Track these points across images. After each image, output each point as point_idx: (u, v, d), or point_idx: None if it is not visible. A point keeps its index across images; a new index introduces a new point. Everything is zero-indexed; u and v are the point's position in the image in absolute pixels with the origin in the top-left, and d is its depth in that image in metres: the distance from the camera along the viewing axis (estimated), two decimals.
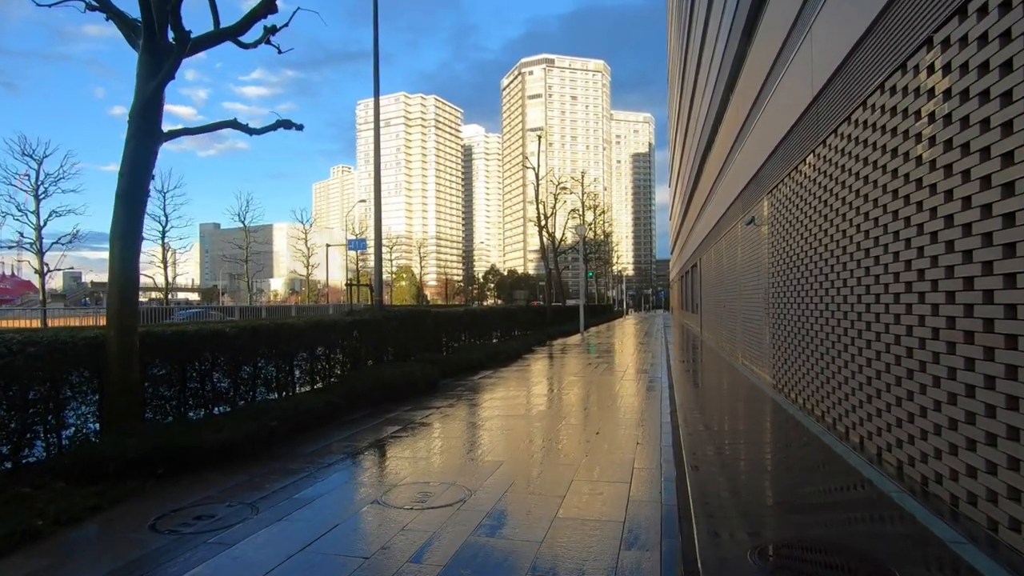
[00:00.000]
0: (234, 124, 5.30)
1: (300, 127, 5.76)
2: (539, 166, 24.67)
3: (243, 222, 43.82)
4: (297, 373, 7.67)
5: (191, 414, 5.83)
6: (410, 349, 10.60)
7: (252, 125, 5.69)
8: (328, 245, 39.11)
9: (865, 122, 4.65)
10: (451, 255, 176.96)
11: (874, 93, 4.40)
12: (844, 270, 5.25)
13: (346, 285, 19.44)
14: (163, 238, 34.73)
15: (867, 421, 4.72)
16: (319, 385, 7.96)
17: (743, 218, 11.31)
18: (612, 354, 14.48)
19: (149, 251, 36.33)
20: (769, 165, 8.63)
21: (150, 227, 35.07)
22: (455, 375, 10.11)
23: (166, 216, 34.73)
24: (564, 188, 32.04)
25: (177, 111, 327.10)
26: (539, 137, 27.03)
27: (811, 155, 6.31)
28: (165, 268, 35.04)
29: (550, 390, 8.35)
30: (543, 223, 25.60)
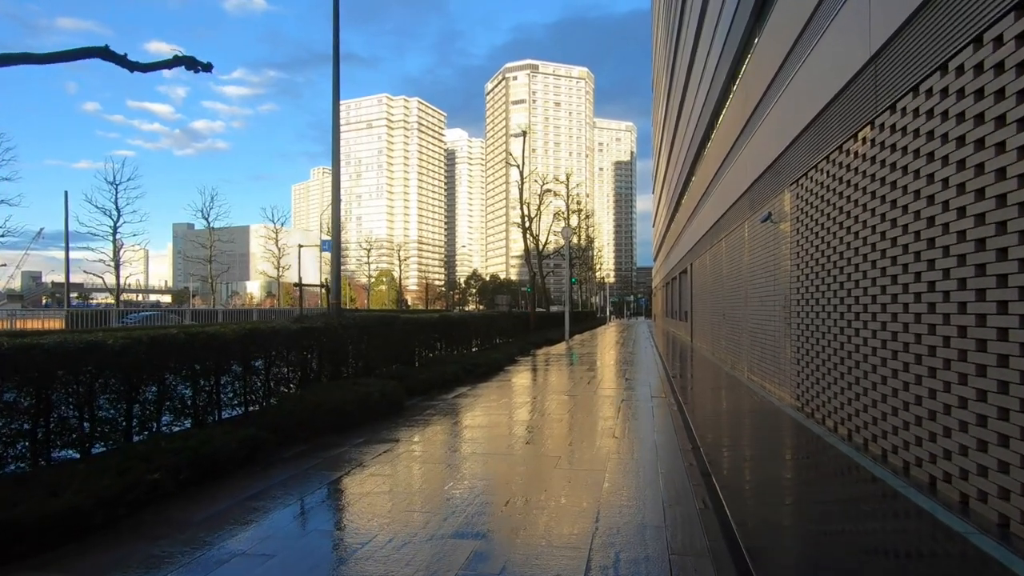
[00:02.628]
0: (105, 53, 3.81)
1: (208, 67, 4.30)
2: (523, 165, 23.37)
3: (207, 219, 41.18)
4: (231, 393, 6.18)
5: (61, 455, 4.33)
6: (374, 362, 9.11)
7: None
8: (301, 246, 36.96)
9: (980, 65, 3.41)
10: (433, 259, 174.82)
11: (1005, 16, 3.16)
12: (931, 269, 3.99)
13: (294, 286, 17.67)
14: (114, 234, 31.79)
15: (975, 475, 3.45)
16: (255, 408, 6.46)
17: (753, 216, 10.14)
18: (604, 367, 13.17)
19: (98, 248, 33.25)
20: (793, 152, 7.43)
21: (100, 222, 32.40)
22: (425, 393, 8.65)
23: (118, 210, 31.80)
24: (549, 190, 30.84)
25: (154, 109, 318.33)
26: (524, 133, 25.77)
27: (868, 128, 5.09)
28: (117, 268, 31.96)
29: (538, 415, 6.95)
30: (527, 225, 24.30)
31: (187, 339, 4.99)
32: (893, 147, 4.60)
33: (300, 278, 16.15)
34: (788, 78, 7.55)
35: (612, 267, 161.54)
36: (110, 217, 31.70)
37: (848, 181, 5.55)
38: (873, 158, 4.98)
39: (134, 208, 57.85)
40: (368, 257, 76.75)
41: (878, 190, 4.88)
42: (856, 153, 5.37)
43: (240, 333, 5.78)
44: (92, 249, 32.40)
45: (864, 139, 5.18)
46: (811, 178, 6.73)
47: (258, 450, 4.69)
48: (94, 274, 32.64)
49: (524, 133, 25.94)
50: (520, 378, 10.98)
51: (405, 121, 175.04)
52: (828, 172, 6.12)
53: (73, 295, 48.47)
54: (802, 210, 7.09)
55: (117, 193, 31.80)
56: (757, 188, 9.77)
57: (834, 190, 5.93)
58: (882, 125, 4.80)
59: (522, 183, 23.65)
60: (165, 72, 4.39)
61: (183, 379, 5.25)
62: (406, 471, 4.43)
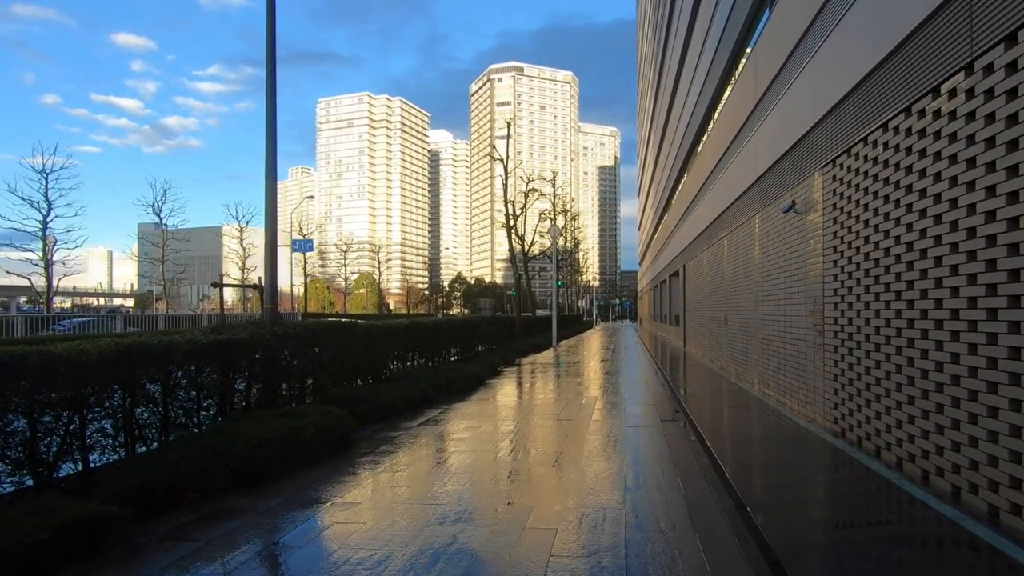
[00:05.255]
0: None
1: None
2: (507, 158, 21.94)
3: (158, 214, 38.37)
4: (109, 432, 4.68)
5: None
6: (329, 380, 7.61)
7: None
8: None
9: None
10: (416, 262, 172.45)
11: None
12: None
13: (213, 285, 15.94)
14: (44, 230, 28.23)
15: None
16: (147, 449, 4.95)
17: (765, 209, 8.88)
18: (599, 379, 11.80)
19: (23, 245, 29.34)
20: (828, 125, 6.15)
21: (26, 215, 29.41)
22: (386, 419, 7.17)
23: (48, 203, 28.27)
24: (534, 189, 29.51)
25: (121, 103, 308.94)
26: (508, 125, 24.37)
27: (960, 75, 3.79)
28: (47, 268, 28.23)
29: (523, 453, 5.51)
30: (512, 224, 22.87)
31: (12, 361, 3.45)
32: (1013, 92, 3.30)
33: (222, 277, 14.37)
34: (821, 38, 6.28)
35: (597, 271, 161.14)
36: (38, 210, 28.26)
37: (922, 151, 4.26)
38: (971, 114, 3.68)
39: (68, 201, 52.56)
40: (345, 259, 74.33)
41: (980, 155, 3.58)
42: (937, 112, 4.07)
43: (111, 351, 4.26)
44: (16, 247, 29.08)
45: (953, 91, 3.88)
46: (856, 154, 5.45)
47: (107, 531, 3.18)
48: (18, 275, 29.54)
49: (508, 125, 24.54)
50: (502, 396, 9.54)
51: (388, 121, 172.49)
52: (886, 144, 4.83)
53: (22, 299, 45.44)
54: (842, 195, 5.81)
55: (47, 183, 28.34)
56: (772, 176, 8.51)
57: (897, 164, 4.64)
58: (989, 66, 3.50)
59: (506, 178, 22.20)
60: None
61: (17, 415, 3.72)
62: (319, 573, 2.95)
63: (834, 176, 6.01)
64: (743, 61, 10.89)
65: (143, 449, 5.00)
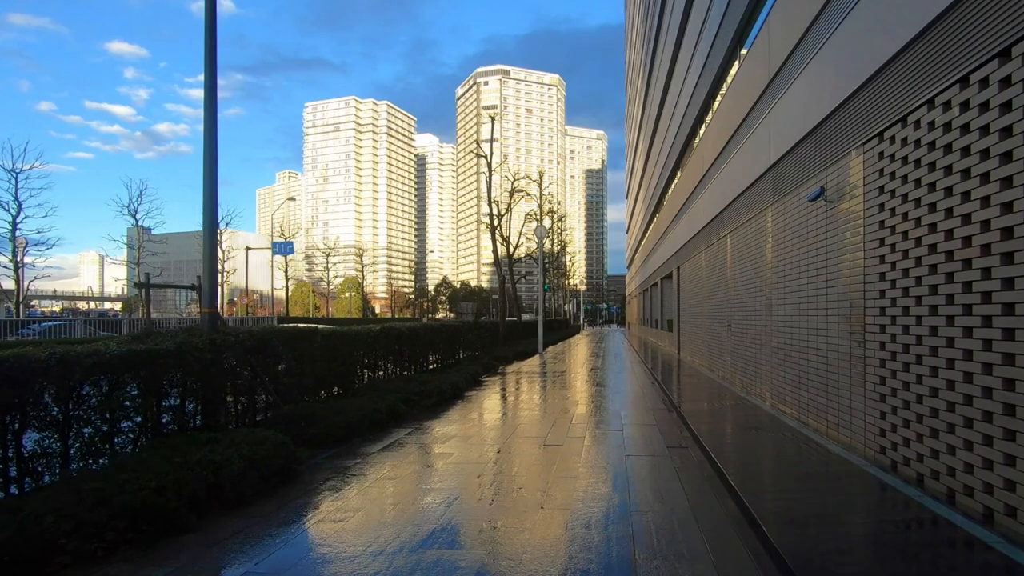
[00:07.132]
0: None
1: None
2: (491, 155, 20.89)
3: (133, 216, 36.70)
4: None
5: None
6: (276, 396, 6.44)
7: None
8: (248, 248, 33.25)
9: None
10: (402, 266, 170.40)
11: None
12: None
13: (137, 286, 14.66)
14: (13, 231, 27.02)
15: None
16: (39, 483, 3.80)
17: (779, 201, 7.94)
18: (590, 392, 10.75)
19: None
20: (872, 92, 5.20)
21: None
22: (345, 441, 6.03)
23: (18, 203, 27.14)
24: (519, 190, 28.49)
25: (114, 110, 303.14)
26: (492, 119, 23.35)
27: None
28: (16, 271, 27.02)
29: (503, 490, 4.42)
30: (496, 224, 21.81)
31: None
32: None
33: (148, 276, 13.06)
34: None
35: (584, 275, 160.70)
36: (8, 211, 27.13)
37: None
38: None
39: (39, 202, 49.86)
40: (328, 263, 72.52)
41: None
42: None
43: None
44: None
45: None
46: (917, 123, 4.48)
47: None
48: None
49: (493, 120, 23.54)
50: (481, 413, 8.44)
51: (374, 125, 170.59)
52: (965, 103, 3.87)
53: (12, 303, 43.40)
54: (893, 174, 4.85)
55: (17, 183, 27.17)
56: (791, 161, 7.57)
57: (986, 127, 3.67)
58: None
59: (490, 176, 21.14)
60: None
61: None
62: None
63: (881, 153, 5.05)
64: (754, 31, 9.97)
65: (31, 486, 3.87)
